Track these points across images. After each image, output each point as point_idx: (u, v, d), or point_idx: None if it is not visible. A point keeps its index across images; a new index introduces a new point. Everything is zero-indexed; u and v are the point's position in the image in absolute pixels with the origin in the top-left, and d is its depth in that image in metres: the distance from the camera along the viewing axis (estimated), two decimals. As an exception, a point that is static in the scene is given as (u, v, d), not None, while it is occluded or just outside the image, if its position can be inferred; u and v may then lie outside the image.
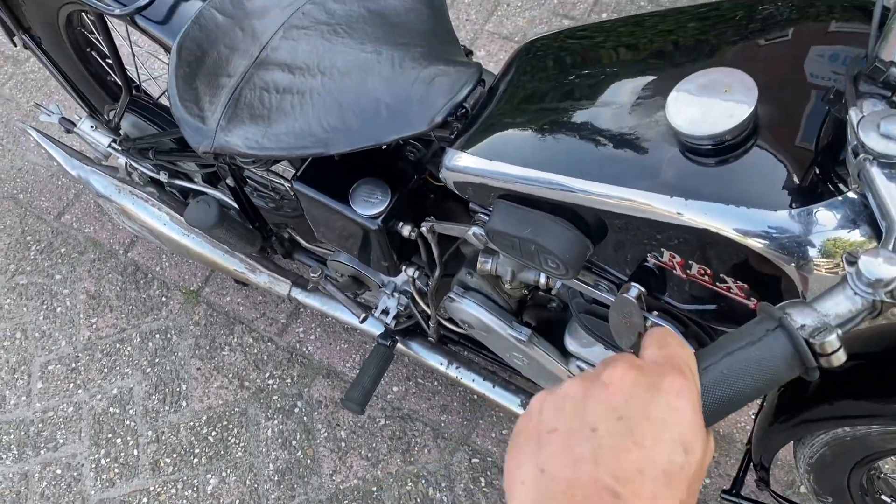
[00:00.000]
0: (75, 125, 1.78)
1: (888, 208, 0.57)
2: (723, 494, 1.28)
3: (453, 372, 1.60)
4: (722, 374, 0.49)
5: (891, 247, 0.54)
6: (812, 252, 0.72)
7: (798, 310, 0.51)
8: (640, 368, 0.48)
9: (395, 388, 1.86)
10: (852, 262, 0.52)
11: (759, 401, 1.32)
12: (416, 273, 1.32)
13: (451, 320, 1.44)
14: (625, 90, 0.91)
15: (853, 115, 0.62)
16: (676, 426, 0.46)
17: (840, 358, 0.49)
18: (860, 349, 1.03)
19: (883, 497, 1.24)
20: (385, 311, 1.50)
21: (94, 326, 2.09)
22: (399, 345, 1.61)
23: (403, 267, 1.31)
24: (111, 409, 1.95)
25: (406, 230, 1.19)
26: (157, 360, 2.01)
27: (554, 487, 0.44)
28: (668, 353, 0.50)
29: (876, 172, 0.59)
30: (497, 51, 2.41)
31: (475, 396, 1.81)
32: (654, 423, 0.45)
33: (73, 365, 2.04)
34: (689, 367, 0.49)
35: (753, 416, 1.52)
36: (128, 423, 1.92)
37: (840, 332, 0.50)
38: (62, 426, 1.95)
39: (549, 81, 0.99)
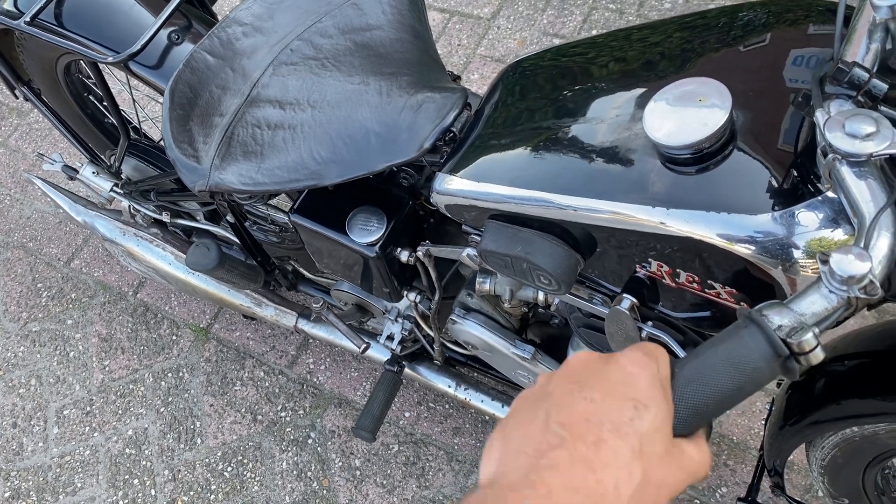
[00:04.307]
0: (78, 172, 1.81)
1: (858, 205, 0.58)
2: (739, 502, 1.27)
3: (462, 394, 1.60)
4: (697, 370, 0.50)
5: (862, 243, 0.55)
6: (797, 254, 0.72)
7: (775, 311, 0.52)
8: (602, 353, 0.52)
9: (406, 414, 1.86)
10: (825, 260, 0.52)
11: (769, 405, 1.31)
12: (418, 297, 1.33)
13: (455, 342, 1.45)
14: (607, 105, 0.92)
15: (820, 116, 0.62)
16: (628, 387, 0.48)
17: (818, 356, 0.50)
18: (865, 347, 1.02)
19: (900, 496, 1.23)
20: (390, 337, 1.50)
21: (107, 369, 2.11)
22: (407, 370, 1.62)
23: (405, 292, 1.32)
24: (127, 451, 1.96)
25: (404, 255, 1.20)
26: (170, 399, 2.02)
27: (511, 446, 0.48)
28: (637, 345, 0.53)
29: (845, 171, 0.59)
30: (490, 73, 2.44)
31: (486, 417, 1.80)
32: (605, 383, 0.49)
33: (88, 408, 2.05)
34: (655, 353, 0.52)
35: (764, 422, 1.51)
36: (144, 463, 1.93)
37: (817, 330, 0.50)
38: (80, 470, 1.96)
39: (533, 101, 1.00)
